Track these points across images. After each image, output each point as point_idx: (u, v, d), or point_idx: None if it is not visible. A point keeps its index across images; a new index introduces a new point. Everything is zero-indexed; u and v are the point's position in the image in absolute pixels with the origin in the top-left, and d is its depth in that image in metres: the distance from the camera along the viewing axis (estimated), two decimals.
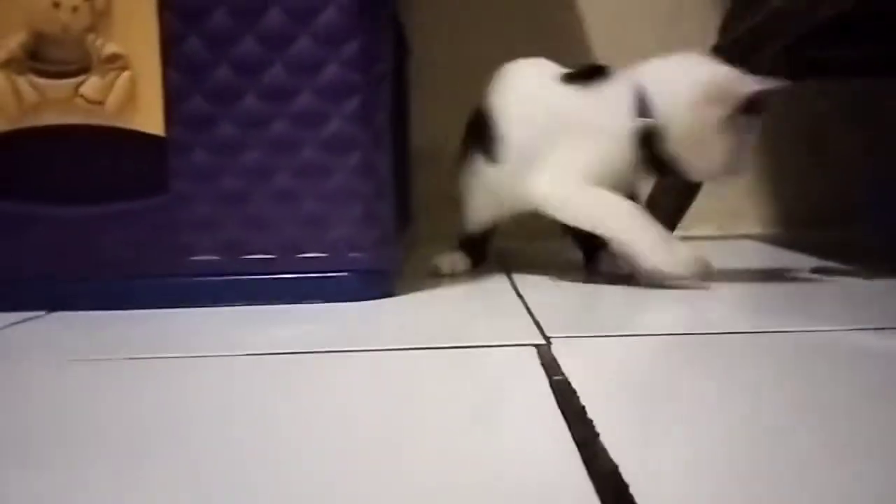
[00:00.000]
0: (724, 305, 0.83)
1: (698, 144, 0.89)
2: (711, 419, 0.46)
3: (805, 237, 1.48)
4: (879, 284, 0.89)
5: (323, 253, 0.84)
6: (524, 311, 0.79)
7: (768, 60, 1.20)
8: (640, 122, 0.91)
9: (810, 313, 0.78)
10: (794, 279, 0.96)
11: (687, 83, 0.89)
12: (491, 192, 1.03)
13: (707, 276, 0.89)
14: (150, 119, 0.85)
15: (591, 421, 0.45)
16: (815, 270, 1.01)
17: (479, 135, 1.01)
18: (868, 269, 0.97)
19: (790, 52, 1.21)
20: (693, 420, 0.46)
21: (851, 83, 1.51)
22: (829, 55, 1.28)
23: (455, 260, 1.07)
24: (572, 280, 0.98)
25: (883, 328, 0.67)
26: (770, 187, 1.58)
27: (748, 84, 0.86)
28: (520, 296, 0.87)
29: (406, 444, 0.44)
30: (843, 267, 1.03)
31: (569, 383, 0.53)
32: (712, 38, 1.31)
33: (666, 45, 0.98)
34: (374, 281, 0.86)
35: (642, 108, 0.91)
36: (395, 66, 1.25)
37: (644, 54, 0.90)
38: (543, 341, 0.65)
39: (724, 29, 1.30)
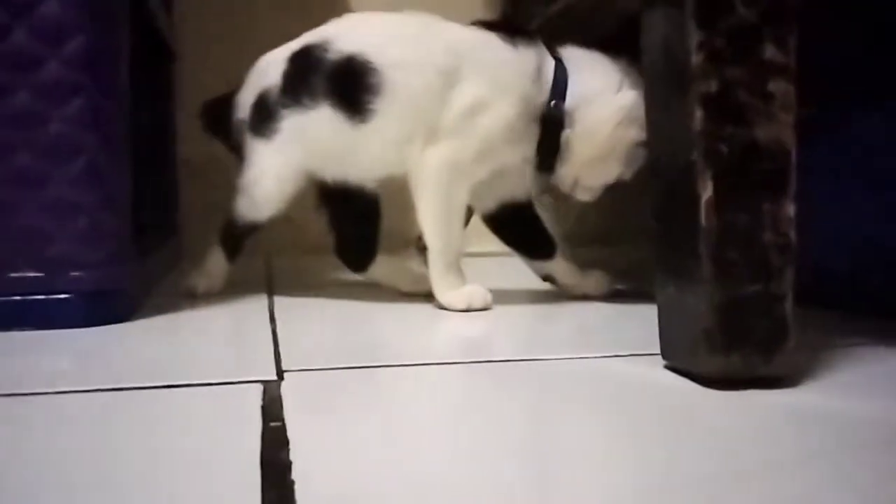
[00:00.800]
0: (491, 330, 0.80)
1: (599, 154, 0.86)
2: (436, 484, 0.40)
3: (588, 254, 1.49)
4: (635, 307, 0.88)
5: (38, 272, 0.73)
6: (269, 339, 0.71)
7: None
8: (555, 104, 0.85)
9: (572, 339, 0.76)
10: (564, 300, 0.93)
11: (613, 94, 0.85)
12: (328, 156, 0.87)
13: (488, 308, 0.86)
14: None
15: (293, 483, 0.38)
16: None
17: (332, 84, 0.84)
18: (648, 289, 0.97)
19: None
20: (420, 483, 0.40)
21: None
22: None
23: (212, 276, 0.94)
24: (346, 298, 0.92)
25: (637, 354, 0.65)
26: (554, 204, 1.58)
27: None
28: (273, 320, 0.80)
29: None
30: (620, 287, 1.02)
31: (284, 431, 0.46)
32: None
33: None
34: (103, 304, 0.76)
35: (560, 91, 0.85)
36: (151, 70, 1.15)
37: None
38: (275, 377, 0.58)
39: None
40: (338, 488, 0.39)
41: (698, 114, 0.54)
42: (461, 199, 0.86)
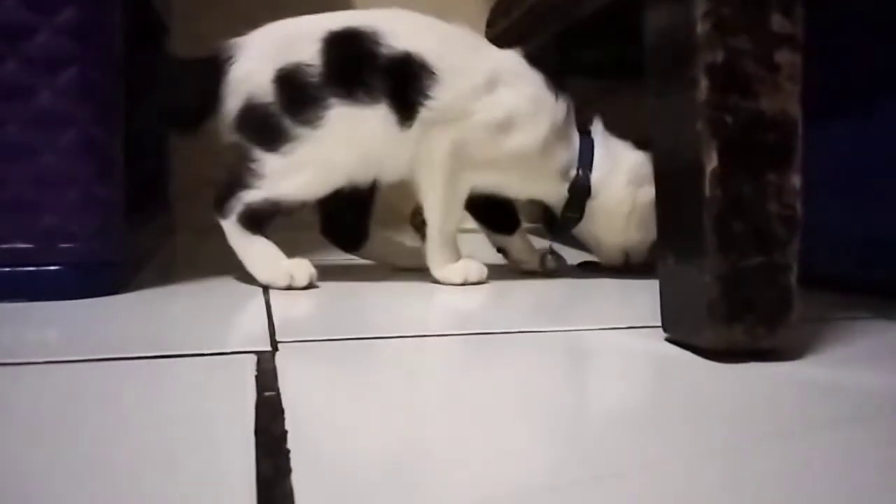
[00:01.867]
0: (486, 303, 0.79)
1: (617, 219, 0.90)
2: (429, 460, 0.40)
3: None
4: (636, 283, 0.88)
5: (29, 243, 0.72)
6: (263, 311, 0.71)
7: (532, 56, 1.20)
8: (583, 172, 0.89)
9: (571, 313, 0.75)
10: (558, 276, 0.93)
11: (625, 157, 0.90)
12: (371, 158, 0.83)
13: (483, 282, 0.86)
14: None
15: (288, 452, 0.38)
16: (582, 265, 1.00)
17: (390, 83, 0.81)
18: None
19: (551, 50, 1.21)
20: (412, 451, 0.40)
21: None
22: (585, 56, 1.29)
23: (294, 265, 0.83)
24: (340, 272, 0.91)
25: (636, 327, 0.64)
26: None
27: None
28: (266, 293, 0.79)
29: (47, 482, 0.35)
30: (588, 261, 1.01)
31: (279, 401, 0.45)
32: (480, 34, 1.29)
33: None
34: (95, 275, 0.75)
35: (587, 161, 0.89)
36: (142, 41, 1.13)
37: None
38: (269, 348, 0.57)
39: (490, 24, 1.27)
40: (333, 456, 0.38)
41: (703, 84, 0.52)
42: (465, 182, 0.86)
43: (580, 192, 0.88)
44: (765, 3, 0.53)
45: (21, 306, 0.71)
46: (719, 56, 0.52)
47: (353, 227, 0.94)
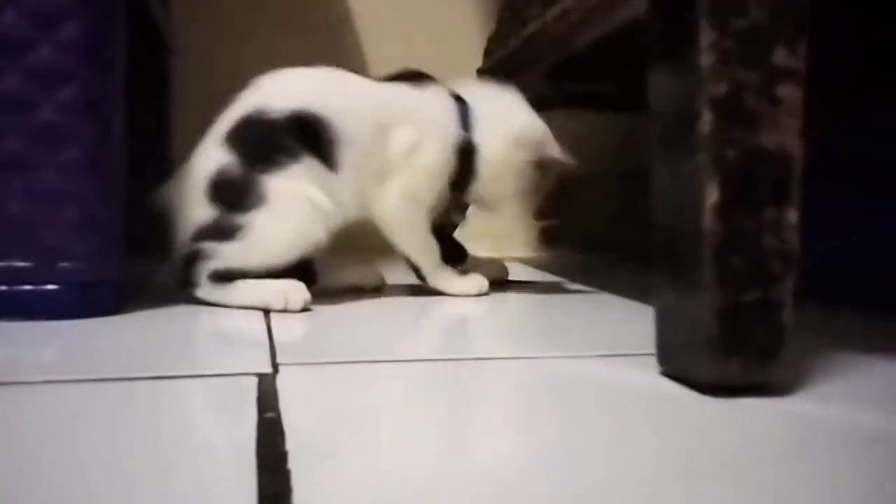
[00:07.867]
0: (481, 327, 0.80)
1: (498, 174, 0.96)
2: (427, 471, 0.39)
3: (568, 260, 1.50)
4: (619, 310, 0.87)
5: (27, 262, 0.72)
6: (264, 333, 0.70)
7: (528, 85, 1.21)
8: (464, 135, 0.95)
9: (572, 338, 0.75)
10: (555, 297, 0.93)
11: (508, 120, 0.97)
12: (326, 207, 0.86)
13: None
14: None
15: (289, 472, 0.37)
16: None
17: (307, 141, 0.85)
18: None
19: (548, 82, 1.22)
20: (409, 472, 0.39)
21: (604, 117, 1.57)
22: (581, 88, 1.30)
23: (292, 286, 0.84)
24: (340, 295, 0.91)
25: (610, 355, 0.64)
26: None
27: (554, 147, 0.95)
28: (267, 315, 0.79)
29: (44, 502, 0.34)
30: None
31: (279, 422, 0.45)
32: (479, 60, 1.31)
33: (437, 64, 0.96)
34: (93, 296, 0.74)
35: (464, 122, 0.96)
36: (149, 66, 1.14)
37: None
38: (270, 370, 0.56)
39: (488, 53, 1.28)
40: (333, 477, 0.37)
41: (707, 117, 0.51)
42: (422, 218, 0.94)
43: (467, 153, 0.95)
44: (768, 37, 0.52)
45: (19, 325, 0.70)
46: (723, 89, 0.51)
47: (300, 271, 0.90)
